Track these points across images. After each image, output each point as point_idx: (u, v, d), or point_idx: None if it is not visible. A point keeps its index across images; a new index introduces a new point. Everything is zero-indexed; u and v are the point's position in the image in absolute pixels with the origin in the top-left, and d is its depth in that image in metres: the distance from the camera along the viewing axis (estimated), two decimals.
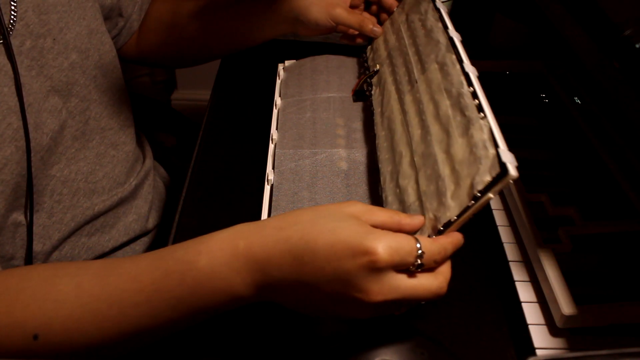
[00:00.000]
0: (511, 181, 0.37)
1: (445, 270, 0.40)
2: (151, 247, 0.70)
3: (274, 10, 0.68)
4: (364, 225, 0.38)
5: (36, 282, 0.41)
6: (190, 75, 1.81)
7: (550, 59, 0.76)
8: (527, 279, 0.50)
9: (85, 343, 0.40)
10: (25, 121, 0.50)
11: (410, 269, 0.38)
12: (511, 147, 0.60)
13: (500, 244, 0.54)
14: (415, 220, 0.42)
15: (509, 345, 0.47)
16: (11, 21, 0.51)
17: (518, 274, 0.51)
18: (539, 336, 0.46)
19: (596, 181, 0.58)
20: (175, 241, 0.56)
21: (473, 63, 0.75)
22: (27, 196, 0.53)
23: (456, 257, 0.54)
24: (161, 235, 0.72)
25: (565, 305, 0.44)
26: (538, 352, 0.45)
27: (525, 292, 0.49)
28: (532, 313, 0.47)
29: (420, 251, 0.38)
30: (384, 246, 0.36)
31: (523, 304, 0.48)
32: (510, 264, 0.52)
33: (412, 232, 0.42)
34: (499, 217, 0.57)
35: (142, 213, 0.68)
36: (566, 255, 0.50)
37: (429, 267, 0.39)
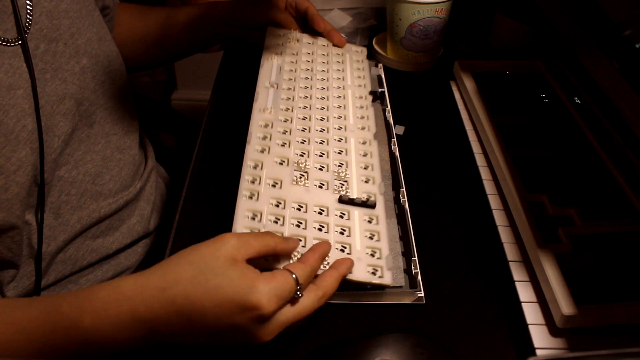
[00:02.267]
0: None
1: (326, 284, 0.43)
2: (152, 248, 0.71)
3: (216, 15, 0.77)
4: (245, 276, 0.40)
5: None
6: (190, 75, 1.81)
7: (550, 59, 0.76)
8: (527, 279, 0.50)
9: None
10: (39, 123, 0.51)
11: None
12: (511, 147, 0.61)
13: (500, 244, 0.54)
14: (290, 244, 0.45)
15: (509, 345, 0.47)
16: (27, 24, 0.52)
17: (518, 274, 0.51)
18: (539, 336, 0.46)
19: (596, 181, 0.58)
20: (175, 242, 0.56)
21: (474, 63, 0.76)
22: (39, 197, 0.53)
23: (457, 257, 0.54)
24: (162, 236, 0.72)
25: (565, 305, 0.44)
26: (538, 352, 0.45)
27: (525, 292, 0.49)
28: (532, 313, 0.47)
29: (298, 285, 0.41)
30: (268, 298, 0.39)
31: (523, 304, 0.48)
32: (510, 264, 0.52)
33: (287, 254, 0.46)
34: (499, 217, 0.57)
35: (144, 215, 0.69)
36: (566, 255, 0.50)
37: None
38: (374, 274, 0.47)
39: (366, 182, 0.55)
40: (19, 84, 0.50)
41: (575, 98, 0.69)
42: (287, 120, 0.61)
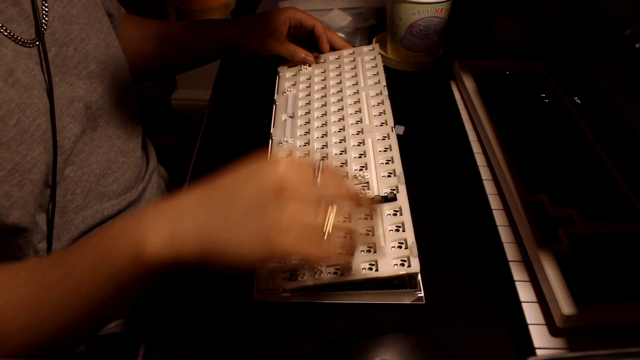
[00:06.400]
0: None
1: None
2: None
3: (217, 36, 0.78)
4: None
5: None
6: (190, 75, 1.79)
7: (550, 59, 0.76)
8: (527, 279, 0.50)
9: (17, 333, 0.41)
10: (54, 124, 0.52)
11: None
12: (511, 147, 0.61)
13: (500, 244, 0.54)
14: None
15: (509, 345, 0.47)
16: (42, 28, 0.53)
17: (518, 274, 0.51)
18: (539, 336, 0.46)
19: (596, 181, 0.58)
20: None
21: (474, 63, 0.76)
22: (50, 197, 0.54)
23: (457, 257, 0.54)
24: None
25: (565, 305, 0.44)
26: (538, 352, 0.45)
27: (525, 292, 0.49)
28: (532, 313, 0.47)
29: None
30: (282, 158, 0.41)
31: (523, 304, 0.48)
32: (510, 264, 0.52)
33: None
34: (499, 217, 0.57)
35: None
36: (566, 255, 0.50)
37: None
38: (402, 265, 0.47)
39: (388, 176, 0.56)
40: (33, 84, 0.51)
41: (575, 98, 0.69)
42: (306, 143, 0.62)
